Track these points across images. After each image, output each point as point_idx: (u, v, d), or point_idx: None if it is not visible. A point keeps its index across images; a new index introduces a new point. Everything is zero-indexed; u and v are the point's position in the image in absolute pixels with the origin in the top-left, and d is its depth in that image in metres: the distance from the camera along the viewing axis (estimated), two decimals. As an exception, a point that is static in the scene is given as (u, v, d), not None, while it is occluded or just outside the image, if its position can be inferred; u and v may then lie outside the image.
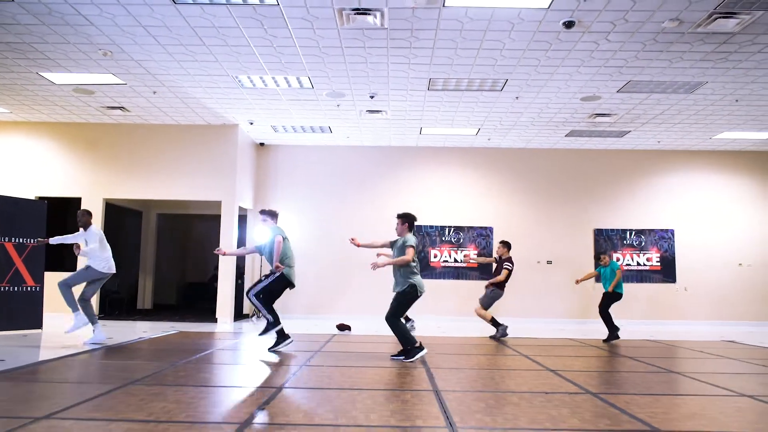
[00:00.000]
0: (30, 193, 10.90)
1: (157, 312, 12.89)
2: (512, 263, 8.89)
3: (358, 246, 6.75)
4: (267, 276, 6.78)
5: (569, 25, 6.74)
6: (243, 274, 12.56)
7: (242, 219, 12.32)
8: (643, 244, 12.65)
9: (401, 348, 6.45)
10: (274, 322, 6.71)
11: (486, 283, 9.18)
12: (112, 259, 7.40)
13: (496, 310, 9.70)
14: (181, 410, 3.77)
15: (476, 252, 12.53)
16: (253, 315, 11.84)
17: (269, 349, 6.79)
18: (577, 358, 6.99)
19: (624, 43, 7.29)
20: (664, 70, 8.14)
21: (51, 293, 9.39)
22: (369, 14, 6.56)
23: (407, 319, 9.46)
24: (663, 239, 12.65)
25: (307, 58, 7.93)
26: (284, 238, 6.75)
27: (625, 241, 12.66)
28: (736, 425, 3.77)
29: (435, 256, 12.58)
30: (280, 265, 6.60)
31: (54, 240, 7.48)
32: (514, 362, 6.41)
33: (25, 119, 11.22)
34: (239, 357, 6.84)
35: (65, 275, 7.49)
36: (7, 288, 8.36)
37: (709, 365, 6.56)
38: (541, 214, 12.78)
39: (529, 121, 10.84)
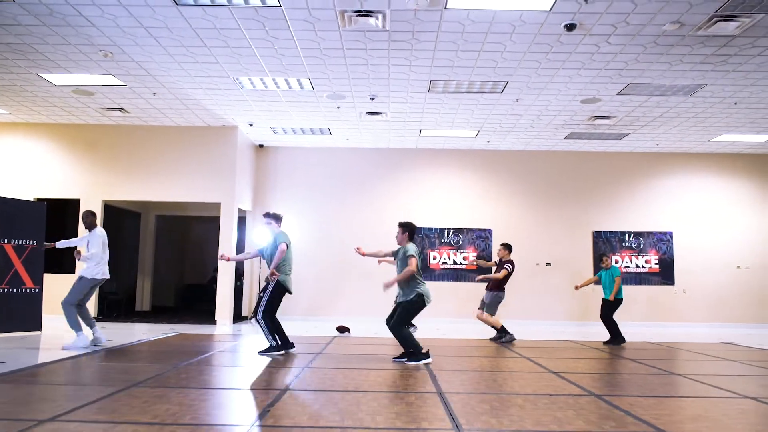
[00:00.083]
0: (28, 195, 10.86)
1: (156, 314, 12.86)
2: (513, 265, 8.89)
3: (363, 255, 6.83)
4: (264, 290, 6.77)
5: (570, 27, 6.75)
6: (242, 276, 12.54)
7: (241, 221, 12.30)
8: (642, 246, 12.67)
9: (403, 350, 6.45)
10: (277, 347, 6.69)
11: (480, 276, 9.21)
12: (107, 265, 7.37)
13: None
14: (185, 412, 3.76)
15: (476, 254, 12.54)
16: (252, 317, 11.81)
17: (259, 352, 6.76)
18: (579, 360, 7.00)
19: (625, 46, 7.30)
20: (664, 72, 8.16)
21: (50, 295, 9.37)
22: (371, 16, 6.55)
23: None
24: (661, 241, 12.68)
25: (308, 60, 7.93)
26: (288, 245, 6.76)
27: (623, 244, 12.68)
28: (740, 427, 3.78)
29: (434, 258, 12.58)
30: (275, 272, 6.61)
31: (61, 243, 7.44)
32: (516, 364, 6.41)
33: (24, 120, 11.19)
34: (240, 359, 6.83)
35: (64, 276, 7.46)
36: (6, 290, 8.32)
37: (709, 367, 6.58)
38: (540, 216, 12.79)
39: (529, 124, 10.85)
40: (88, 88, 9.22)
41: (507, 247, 9.07)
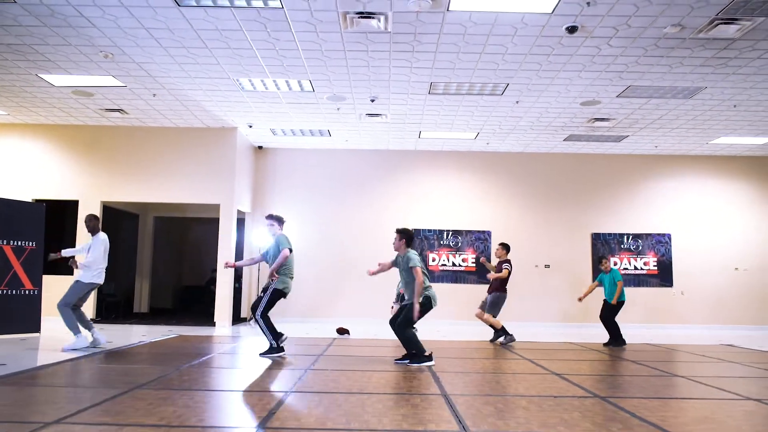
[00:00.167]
0: (27, 196, 10.82)
1: (154, 316, 12.82)
2: (511, 265, 8.89)
3: (372, 274, 6.93)
4: (265, 291, 6.78)
5: (572, 30, 6.76)
6: (240, 277, 12.52)
7: (240, 222, 12.27)
8: (640, 248, 12.70)
9: (405, 352, 6.45)
10: (277, 348, 6.69)
11: (492, 276, 8.94)
12: (104, 271, 7.35)
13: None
14: (191, 414, 3.75)
15: (475, 256, 12.55)
16: (251, 319, 11.78)
17: (260, 354, 6.78)
18: (580, 361, 7.01)
19: (625, 48, 7.32)
20: (664, 75, 8.19)
21: (49, 297, 9.33)
22: (373, 18, 6.56)
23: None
24: (660, 243, 12.72)
25: (309, 62, 7.93)
26: (290, 250, 6.77)
27: (622, 245, 12.71)
28: (747, 429, 3.79)
29: (433, 260, 12.58)
30: (276, 274, 6.65)
31: (66, 252, 7.37)
32: (518, 366, 6.41)
33: (23, 121, 11.15)
34: (242, 361, 6.81)
35: (63, 278, 7.44)
36: (5, 291, 8.28)
37: (711, 369, 6.59)
38: (539, 217, 12.81)
39: (528, 126, 10.87)
40: (88, 89, 9.19)
41: (505, 247, 9.08)
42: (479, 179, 12.89)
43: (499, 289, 8.73)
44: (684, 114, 9.97)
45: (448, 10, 6.36)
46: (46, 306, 8.87)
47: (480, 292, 9.99)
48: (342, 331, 9.77)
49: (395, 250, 6.58)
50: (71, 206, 11.17)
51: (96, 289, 7.93)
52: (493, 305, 8.71)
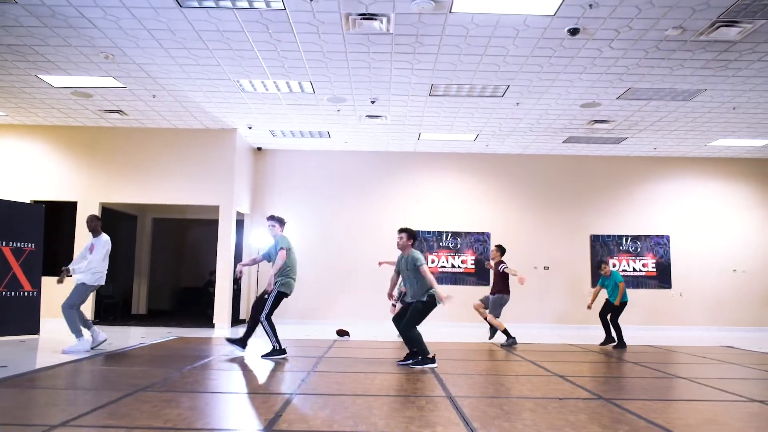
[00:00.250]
0: (25, 197, 10.78)
1: (152, 317, 12.78)
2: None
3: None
4: (269, 293, 6.78)
5: (574, 32, 6.77)
6: (239, 279, 12.47)
7: (239, 224, 12.25)
8: (639, 249, 12.73)
9: (407, 353, 6.45)
10: (280, 350, 6.70)
11: (520, 278, 8.66)
12: (106, 273, 7.33)
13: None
14: (197, 417, 3.73)
15: (474, 257, 12.55)
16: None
17: (262, 356, 6.78)
18: (582, 363, 7.01)
19: (626, 51, 7.34)
20: (665, 77, 8.21)
21: (48, 298, 9.30)
22: (375, 19, 6.55)
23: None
24: (658, 245, 12.74)
25: (310, 63, 7.92)
26: (289, 250, 6.79)
27: (621, 247, 12.73)
28: (752, 431, 3.79)
29: (432, 261, 12.58)
30: (272, 282, 6.72)
31: (74, 266, 7.25)
32: (521, 368, 6.41)
33: (21, 122, 11.10)
34: (244, 363, 6.77)
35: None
36: (4, 293, 8.24)
37: (713, 371, 6.60)
38: (538, 219, 12.82)
39: (528, 128, 10.88)
40: (87, 90, 9.16)
41: (500, 249, 9.11)
42: (478, 181, 12.90)
43: (502, 290, 8.74)
44: (683, 116, 10.00)
45: (450, 11, 6.37)
46: (45, 307, 8.83)
47: (479, 293, 9.99)
48: (342, 333, 9.75)
49: (400, 249, 6.56)
50: (70, 207, 11.13)
51: (94, 291, 7.88)
52: (495, 306, 8.72)
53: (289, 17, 6.56)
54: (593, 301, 9.12)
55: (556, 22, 6.60)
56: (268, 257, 6.99)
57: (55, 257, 10.36)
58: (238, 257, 11.81)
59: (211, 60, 7.89)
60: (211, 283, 12.90)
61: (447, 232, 12.70)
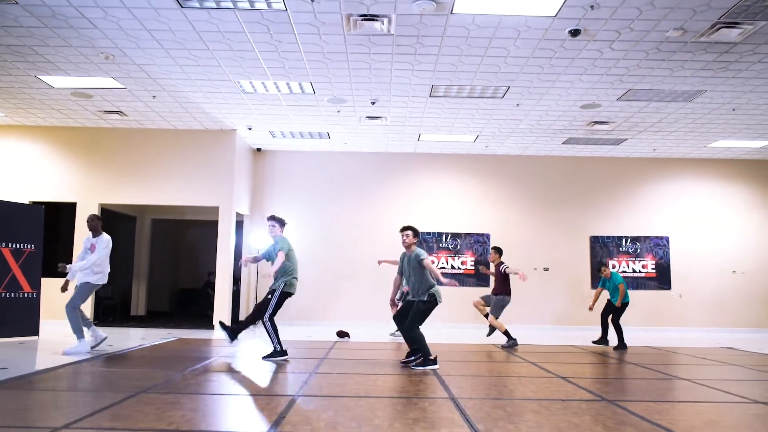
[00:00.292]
0: (24, 198, 10.75)
1: (151, 318, 12.75)
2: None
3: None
4: (272, 293, 6.78)
5: (575, 33, 6.77)
6: (239, 280, 12.46)
7: (239, 225, 12.23)
8: (639, 251, 12.74)
9: (408, 353, 6.45)
10: (281, 352, 6.70)
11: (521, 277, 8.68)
12: (108, 272, 7.32)
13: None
14: (200, 419, 3.72)
15: (474, 259, 12.55)
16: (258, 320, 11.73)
17: (263, 357, 6.78)
18: (583, 364, 7.01)
19: (627, 52, 7.34)
20: (665, 78, 8.21)
21: (48, 299, 9.27)
22: (376, 20, 6.54)
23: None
24: (658, 246, 12.75)
25: (310, 64, 7.91)
26: (289, 250, 6.79)
27: (620, 248, 12.74)
28: (756, 432, 3.79)
29: (432, 263, 12.50)
30: (275, 284, 6.74)
31: (74, 267, 7.26)
32: (523, 369, 6.40)
33: (20, 123, 11.07)
34: (245, 365, 6.75)
35: (62, 281, 7.39)
36: (3, 294, 8.21)
37: (714, 372, 6.60)
38: (538, 220, 12.83)
39: (528, 129, 10.88)
40: (87, 90, 9.14)
41: (497, 251, 9.10)
42: (478, 182, 12.90)
43: (503, 292, 8.74)
44: (683, 117, 10.01)
45: (451, 12, 6.36)
46: (44, 308, 8.80)
47: (479, 294, 9.97)
48: (342, 334, 9.74)
49: (405, 246, 6.58)
50: (69, 208, 11.10)
51: (93, 292, 7.87)
52: (496, 307, 8.72)
53: (290, 18, 6.55)
54: (594, 302, 9.19)
55: (557, 24, 6.60)
56: (268, 257, 6.98)
57: (55, 258, 10.32)
58: (237, 258, 11.79)
59: (211, 61, 7.88)
60: (209, 284, 12.89)
61: (447, 233, 12.69)
